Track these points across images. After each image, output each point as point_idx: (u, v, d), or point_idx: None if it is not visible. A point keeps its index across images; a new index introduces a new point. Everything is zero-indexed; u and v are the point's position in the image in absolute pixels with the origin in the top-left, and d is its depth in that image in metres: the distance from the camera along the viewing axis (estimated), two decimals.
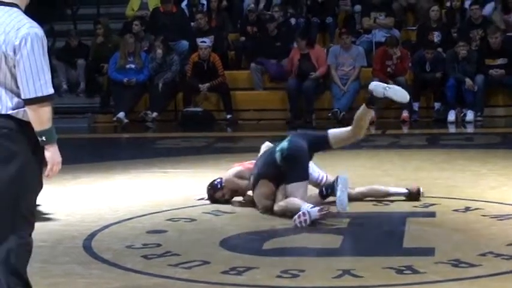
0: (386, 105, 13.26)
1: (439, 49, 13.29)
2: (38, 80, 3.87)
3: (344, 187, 6.25)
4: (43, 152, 3.99)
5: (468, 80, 12.60)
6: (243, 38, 14.53)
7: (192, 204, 6.99)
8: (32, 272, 5.06)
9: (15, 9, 3.94)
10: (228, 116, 13.33)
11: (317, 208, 6.12)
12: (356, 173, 8.17)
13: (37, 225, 6.51)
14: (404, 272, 4.93)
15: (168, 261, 5.30)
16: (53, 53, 13.95)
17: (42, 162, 4.03)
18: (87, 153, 11.32)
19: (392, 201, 6.86)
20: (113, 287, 4.85)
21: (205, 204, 6.96)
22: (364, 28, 14.31)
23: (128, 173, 8.72)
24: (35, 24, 3.92)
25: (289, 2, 14.86)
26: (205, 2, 15.04)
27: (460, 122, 12.62)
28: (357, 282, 4.81)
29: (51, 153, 4.00)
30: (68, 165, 8.29)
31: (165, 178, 8.33)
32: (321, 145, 6.64)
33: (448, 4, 14.52)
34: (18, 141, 3.93)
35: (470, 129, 12.33)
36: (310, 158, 6.58)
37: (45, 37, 3.93)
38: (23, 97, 3.89)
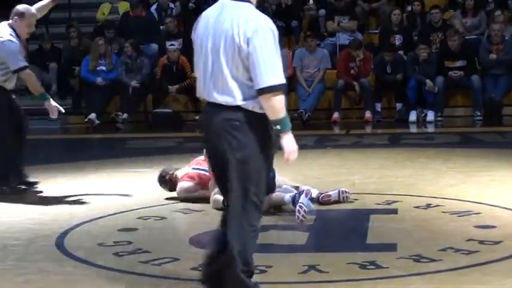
0: (350, 106, 13.53)
1: (400, 52, 13.53)
2: (271, 70, 3.90)
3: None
4: (271, 142, 4.02)
5: (429, 81, 12.82)
6: None
7: (162, 203, 7.09)
8: (5, 270, 5.20)
9: (247, 4, 4.03)
10: (197, 117, 13.45)
11: (303, 195, 6.31)
12: (321, 172, 8.32)
13: (11, 223, 6.68)
14: (368, 267, 5.03)
15: (139, 258, 5.38)
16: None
17: (270, 152, 4.06)
18: (60, 153, 11.35)
19: (356, 198, 7.02)
20: (85, 283, 4.92)
21: (174, 203, 7.07)
22: (328, 31, 14.51)
23: (99, 173, 8.77)
24: (265, 17, 3.98)
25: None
26: (174, 7, 15.18)
27: (421, 122, 12.80)
28: (322, 277, 4.90)
29: (287, 141, 4.00)
30: (41, 165, 8.44)
31: (135, 178, 8.41)
32: None
33: (409, 8, 14.78)
34: (247, 132, 3.98)
35: (430, 128, 12.50)
36: None
37: (276, 30, 3.97)
38: (255, 87, 3.92)
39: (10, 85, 7.59)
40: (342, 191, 6.84)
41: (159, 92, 13.63)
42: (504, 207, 6.55)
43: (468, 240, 5.59)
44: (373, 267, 5.03)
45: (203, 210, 6.78)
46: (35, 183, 7.85)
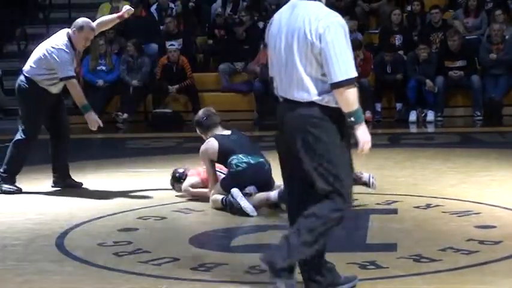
0: None
1: (400, 52, 13.54)
2: (343, 64, 4.04)
3: (240, 197, 6.50)
4: (347, 135, 4.16)
5: (429, 81, 12.83)
6: (210, 41, 14.71)
7: (161, 203, 7.11)
8: (5, 270, 5.21)
9: (317, 2, 4.18)
10: None
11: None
12: None
13: (11, 223, 6.68)
14: (368, 267, 5.04)
15: (139, 258, 5.39)
16: (27, 56, 13.98)
17: (347, 144, 4.18)
18: None
19: (356, 198, 7.01)
20: (85, 283, 4.93)
21: (174, 203, 7.09)
22: None
23: (99, 173, 8.79)
24: (336, 14, 4.13)
25: (254, 6, 15.03)
26: (174, 6, 15.18)
27: (421, 122, 12.83)
28: None
29: (361, 132, 4.14)
30: (41, 165, 8.46)
31: (135, 177, 8.42)
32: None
33: (409, 8, 14.78)
34: (323, 127, 4.12)
35: (430, 128, 12.51)
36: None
37: (346, 25, 4.13)
38: (329, 82, 4.07)
39: (55, 90, 7.79)
40: (372, 175, 6.87)
41: (159, 92, 13.65)
42: (504, 207, 6.57)
43: (468, 240, 5.60)
44: (373, 267, 5.03)
45: (203, 210, 6.79)
46: (80, 184, 7.94)
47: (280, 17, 4.26)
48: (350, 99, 4.08)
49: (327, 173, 4.16)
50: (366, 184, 6.83)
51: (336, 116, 4.14)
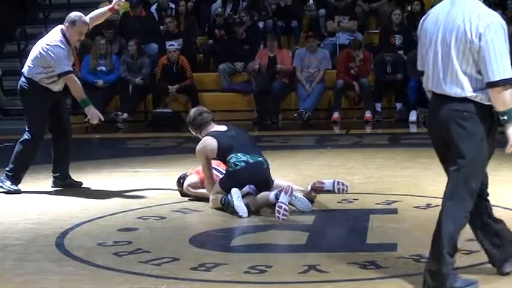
0: (350, 105, 13.53)
1: (400, 52, 13.54)
2: (501, 64, 4.14)
3: (237, 196, 6.48)
4: (494, 134, 4.29)
5: None
6: (210, 41, 14.71)
7: (161, 203, 7.11)
8: (5, 270, 5.21)
9: (476, 0, 4.27)
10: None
11: (283, 193, 6.32)
12: (321, 172, 8.32)
13: (11, 223, 6.67)
14: (368, 267, 5.04)
15: (139, 258, 5.39)
16: (26, 56, 13.99)
17: (493, 143, 4.31)
18: None
19: (356, 198, 7.02)
20: (85, 283, 4.93)
21: (174, 203, 7.09)
22: (329, 31, 14.54)
23: (99, 173, 8.80)
24: (496, 14, 4.24)
25: (254, 6, 15.03)
26: (173, 6, 15.19)
27: (421, 121, 12.82)
28: (322, 277, 4.91)
29: (511, 132, 4.27)
30: (40, 165, 8.46)
31: (135, 177, 8.42)
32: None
33: (409, 8, 14.79)
34: (476, 122, 4.23)
35: None
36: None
37: (506, 26, 4.20)
38: (486, 80, 4.16)
39: (56, 87, 7.79)
40: (338, 181, 6.69)
41: (159, 92, 13.66)
42: (504, 207, 6.56)
43: (468, 240, 5.52)
44: (373, 267, 5.04)
45: (203, 210, 6.80)
46: (79, 183, 7.95)
47: (438, 13, 4.35)
48: (506, 99, 4.20)
49: (469, 171, 4.28)
50: (330, 192, 6.68)
51: (487, 113, 4.25)
